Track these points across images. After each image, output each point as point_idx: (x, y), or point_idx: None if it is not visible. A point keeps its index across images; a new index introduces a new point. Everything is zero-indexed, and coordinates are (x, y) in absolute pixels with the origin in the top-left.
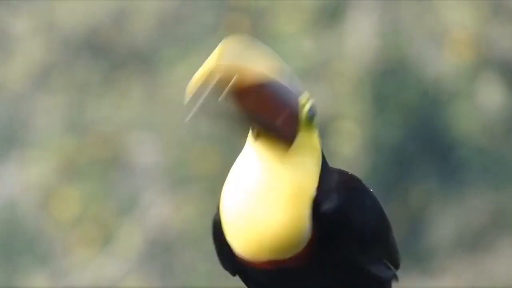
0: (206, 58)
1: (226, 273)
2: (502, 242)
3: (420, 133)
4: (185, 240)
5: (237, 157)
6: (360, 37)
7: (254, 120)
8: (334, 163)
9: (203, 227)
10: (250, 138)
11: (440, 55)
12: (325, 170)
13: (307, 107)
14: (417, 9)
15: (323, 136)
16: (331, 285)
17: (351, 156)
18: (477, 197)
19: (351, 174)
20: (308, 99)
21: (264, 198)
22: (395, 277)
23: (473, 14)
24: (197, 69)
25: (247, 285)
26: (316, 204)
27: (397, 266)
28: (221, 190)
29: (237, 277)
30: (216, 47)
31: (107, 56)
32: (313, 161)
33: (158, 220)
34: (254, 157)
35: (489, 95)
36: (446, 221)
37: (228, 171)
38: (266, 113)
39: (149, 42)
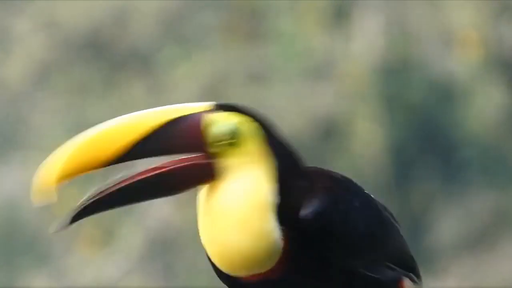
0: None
1: None
2: (505, 242)
3: (422, 134)
4: (186, 240)
5: None
6: (366, 37)
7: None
8: (337, 162)
9: None
10: None
11: (447, 54)
12: (293, 176)
13: (217, 128)
14: (423, 8)
15: (325, 134)
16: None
17: (355, 155)
18: (479, 197)
19: (338, 176)
20: (214, 119)
21: (218, 222)
22: (409, 277)
23: (480, 13)
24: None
25: None
26: (285, 211)
27: (410, 269)
28: None
29: None
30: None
31: (108, 56)
32: (258, 173)
33: (159, 220)
34: (204, 189)
35: (494, 95)
36: (449, 222)
37: None
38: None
39: (150, 43)
